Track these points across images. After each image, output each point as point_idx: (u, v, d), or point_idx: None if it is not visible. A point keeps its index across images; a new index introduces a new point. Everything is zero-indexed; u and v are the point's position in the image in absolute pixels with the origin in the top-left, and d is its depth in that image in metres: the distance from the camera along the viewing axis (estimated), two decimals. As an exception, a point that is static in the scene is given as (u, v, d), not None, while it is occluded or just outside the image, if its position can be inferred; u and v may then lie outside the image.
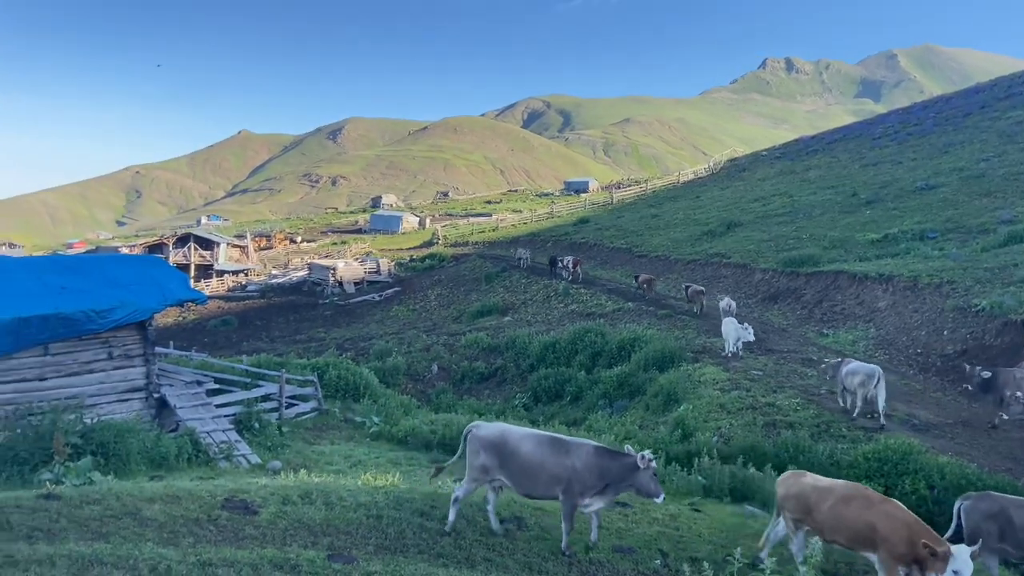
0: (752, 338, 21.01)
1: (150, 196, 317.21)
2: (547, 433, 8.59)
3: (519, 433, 8.41)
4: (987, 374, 14.81)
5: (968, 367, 16.06)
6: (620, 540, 8.97)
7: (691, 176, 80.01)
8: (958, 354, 20.18)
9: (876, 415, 14.97)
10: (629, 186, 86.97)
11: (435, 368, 28.46)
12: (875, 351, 21.84)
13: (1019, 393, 14.53)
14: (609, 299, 33.27)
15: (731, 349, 20.98)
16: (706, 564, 4.75)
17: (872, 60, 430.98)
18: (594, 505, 8.09)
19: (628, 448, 8.29)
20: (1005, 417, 14.87)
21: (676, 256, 40.28)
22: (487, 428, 8.58)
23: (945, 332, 21.34)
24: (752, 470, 12.11)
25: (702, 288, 29.72)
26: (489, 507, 8.61)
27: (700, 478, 11.83)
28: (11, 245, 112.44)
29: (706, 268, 36.71)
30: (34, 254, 77.20)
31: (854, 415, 15.38)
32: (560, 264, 40.57)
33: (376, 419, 19.24)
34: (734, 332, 20.92)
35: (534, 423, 16.57)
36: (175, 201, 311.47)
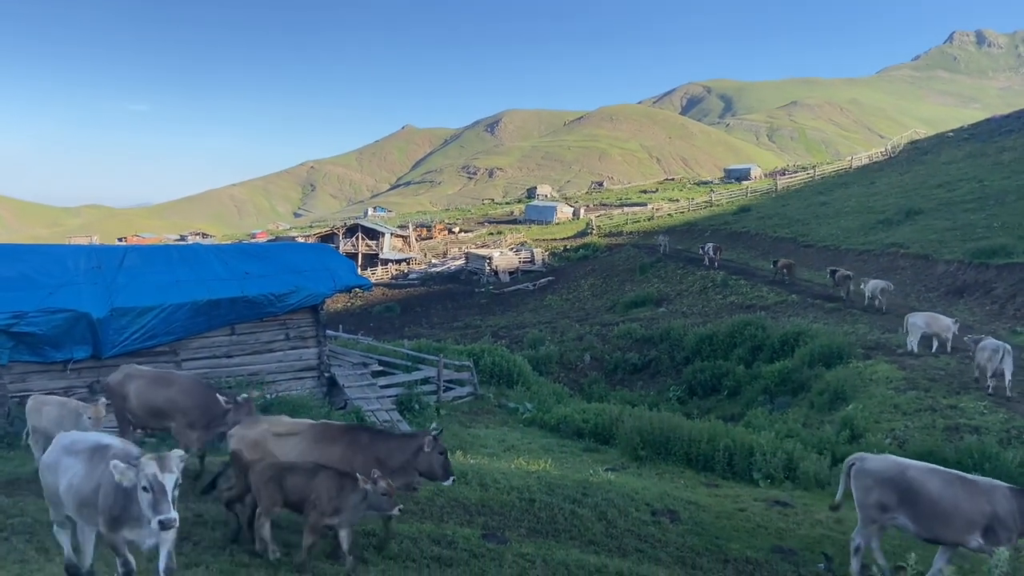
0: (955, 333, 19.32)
1: (323, 189, 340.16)
2: (951, 471, 7.67)
3: (920, 468, 7.54)
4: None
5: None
6: (780, 541, 8.59)
7: (865, 160, 74.49)
8: None
9: (1002, 389, 15.71)
10: (795, 172, 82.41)
11: (587, 358, 28.46)
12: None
13: None
14: (771, 291, 31.79)
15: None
16: (875, 569, 4.35)
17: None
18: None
19: None
20: None
21: (847, 246, 37.71)
22: (879, 461, 7.68)
23: None
24: (930, 477, 11.16)
25: (849, 272, 28.99)
26: (874, 544, 7.59)
27: (870, 482, 11.05)
28: (203, 235, 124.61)
29: (880, 259, 34.10)
30: (222, 243, 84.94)
31: (988, 389, 15.86)
32: (702, 250, 41.93)
33: (529, 406, 19.56)
34: (950, 326, 19.12)
35: (688, 416, 16.17)
36: (344, 193, 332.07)
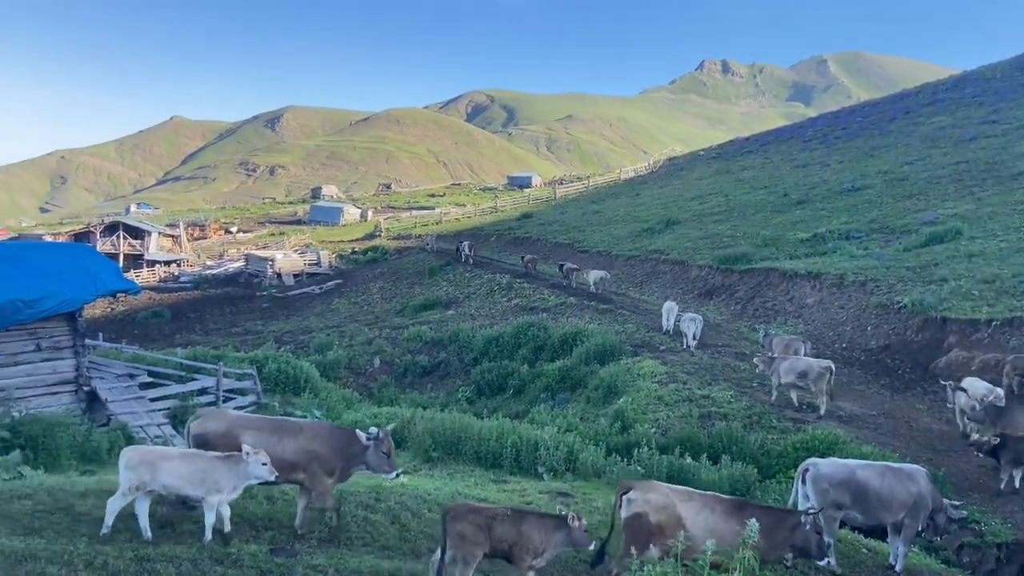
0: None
1: (76, 182, 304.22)
2: (880, 463, 8.81)
3: (863, 467, 8.52)
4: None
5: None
6: (562, 529, 9.15)
7: (631, 174, 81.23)
8: (881, 349, 21.13)
9: (688, 346, 21.64)
10: (571, 182, 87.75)
11: (377, 362, 28.26)
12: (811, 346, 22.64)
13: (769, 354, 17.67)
14: (552, 293, 33.58)
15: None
16: (652, 549, 4.94)
17: (803, 65, 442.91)
18: None
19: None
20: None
21: (616, 252, 40.91)
22: (831, 466, 8.49)
23: (869, 328, 22.30)
24: (688, 460, 12.48)
25: (576, 266, 35.55)
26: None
27: (639, 468, 12.13)
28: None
29: (645, 264, 37.40)
30: (-51, 241, 73.11)
31: (686, 345, 21.63)
32: (458, 248, 46.26)
33: (317, 413, 19.03)
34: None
35: (478, 416, 16.66)
36: (102, 188, 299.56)
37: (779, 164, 56.82)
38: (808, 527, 7.02)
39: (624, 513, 7.18)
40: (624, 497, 7.25)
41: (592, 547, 6.88)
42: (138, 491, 7.59)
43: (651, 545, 6.88)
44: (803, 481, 8.48)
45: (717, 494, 7.58)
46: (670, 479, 11.91)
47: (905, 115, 60.38)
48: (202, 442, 8.44)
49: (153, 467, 7.59)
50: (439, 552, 6.87)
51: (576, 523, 6.76)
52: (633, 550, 6.78)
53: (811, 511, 7.10)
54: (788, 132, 75.88)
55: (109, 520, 7.62)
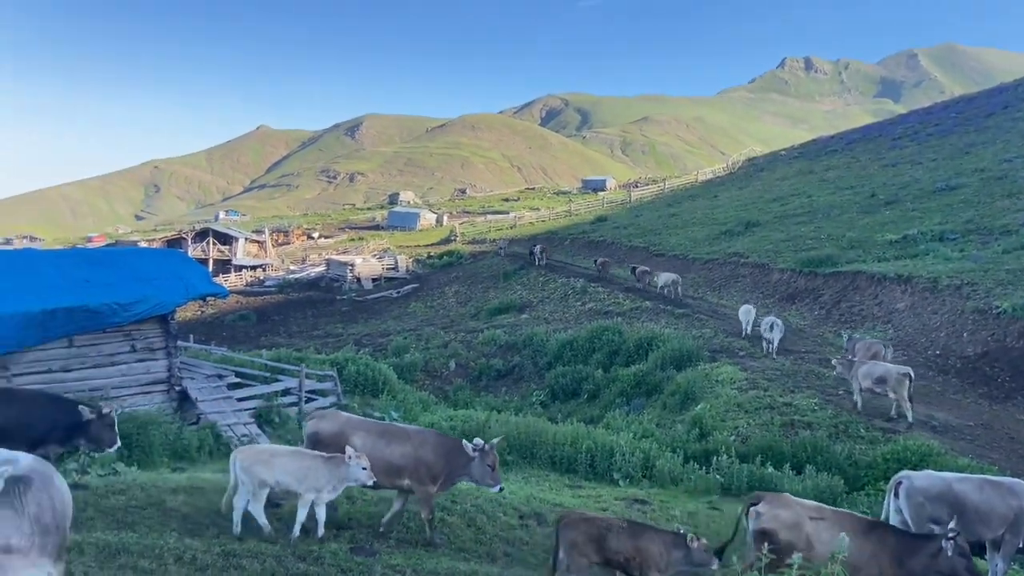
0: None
1: (168, 191, 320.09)
2: (979, 476, 8.42)
3: (961, 480, 8.16)
4: None
5: None
6: (639, 537, 9.00)
7: (709, 175, 79.59)
8: (978, 356, 20.00)
9: (769, 351, 21.43)
10: (647, 185, 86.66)
11: (453, 365, 28.55)
12: (894, 352, 21.67)
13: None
14: (626, 297, 33.23)
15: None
16: (734, 559, 4.77)
17: (892, 60, 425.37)
18: None
19: None
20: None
21: (694, 255, 40.12)
22: (926, 479, 8.13)
23: (965, 334, 21.14)
24: (770, 469, 12.11)
25: (647, 268, 35.69)
26: None
27: (718, 477, 11.85)
28: (32, 238, 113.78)
29: (724, 267, 36.55)
30: (54, 248, 77.97)
31: (769, 352, 21.29)
32: (531, 252, 47.05)
33: (395, 414, 19.33)
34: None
35: (552, 420, 16.60)
36: (193, 196, 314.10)
37: (866, 163, 54.61)
38: (951, 552, 6.62)
39: (751, 526, 7.05)
40: (753, 509, 7.09)
41: (715, 567, 6.73)
42: (261, 489, 7.87)
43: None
44: (896, 494, 8.06)
45: (852, 512, 7.29)
46: (751, 488, 11.59)
47: (1003, 110, 57.12)
48: (315, 440, 8.78)
49: (269, 465, 7.88)
50: (553, 559, 6.92)
51: (695, 544, 6.68)
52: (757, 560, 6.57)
53: (951, 534, 6.65)
54: (876, 130, 72.88)
55: (263, 520, 7.93)
